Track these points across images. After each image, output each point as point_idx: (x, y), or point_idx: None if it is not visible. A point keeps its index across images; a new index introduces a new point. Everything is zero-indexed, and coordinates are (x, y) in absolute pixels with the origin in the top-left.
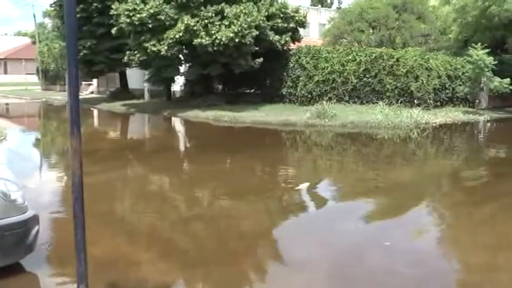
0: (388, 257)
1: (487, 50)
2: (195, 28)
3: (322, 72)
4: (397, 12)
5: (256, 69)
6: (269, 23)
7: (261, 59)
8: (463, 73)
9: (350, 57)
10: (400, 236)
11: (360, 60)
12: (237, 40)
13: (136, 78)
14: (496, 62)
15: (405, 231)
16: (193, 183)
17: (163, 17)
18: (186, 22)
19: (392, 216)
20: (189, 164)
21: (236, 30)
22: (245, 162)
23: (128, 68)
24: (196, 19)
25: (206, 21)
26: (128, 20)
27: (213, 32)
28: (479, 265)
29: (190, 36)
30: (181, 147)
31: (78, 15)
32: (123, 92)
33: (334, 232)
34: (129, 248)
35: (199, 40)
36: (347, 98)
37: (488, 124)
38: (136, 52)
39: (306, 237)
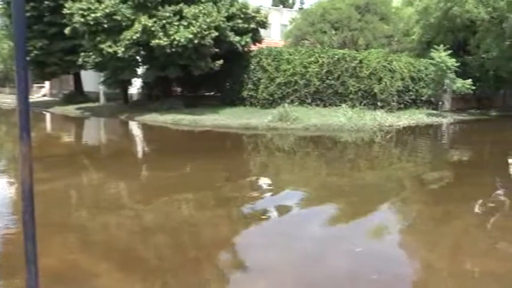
0: (352, 260)
1: (449, 52)
2: (152, 29)
3: (284, 74)
4: (359, 13)
5: (216, 71)
6: (229, 24)
7: (221, 61)
8: (426, 75)
9: (312, 59)
10: (361, 239)
11: (323, 62)
12: (196, 41)
13: (91, 80)
14: (458, 64)
15: (368, 234)
16: (150, 190)
17: (119, 17)
18: (143, 22)
19: (356, 220)
20: (146, 170)
21: (195, 31)
22: (205, 167)
23: (82, 70)
24: (154, 19)
25: (164, 21)
26: (82, 20)
27: (171, 32)
28: (443, 269)
29: (148, 37)
30: (139, 153)
31: (28, 14)
32: (78, 94)
33: (299, 238)
34: (84, 259)
35: (157, 41)
36: (309, 101)
37: (452, 126)
38: (91, 53)
39: (269, 245)
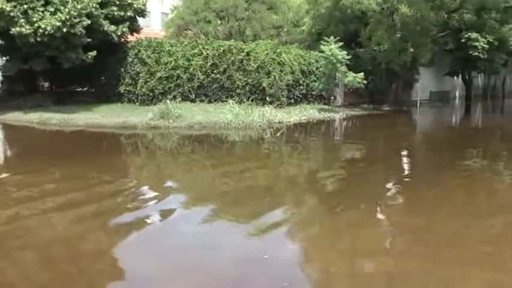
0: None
1: (340, 44)
2: (12, 14)
3: (165, 68)
4: (246, 2)
5: (89, 64)
6: (103, 11)
7: (95, 53)
8: (317, 68)
9: (196, 51)
10: (255, 244)
11: (207, 54)
12: (65, 30)
13: None
14: (350, 56)
15: (261, 237)
16: (13, 198)
17: None
18: (0, 6)
19: (249, 223)
20: (8, 176)
21: (63, 18)
22: (76, 172)
23: None
24: (14, 3)
25: (26, 6)
26: None
27: (34, 19)
28: (343, 272)
29: (7, 24)
30: None
31: None
32: None
33: (185, 247)
34: None
35: (18, 29)
36: (193, 96)
37: (345, 122)
38: None
39: (149, 254)
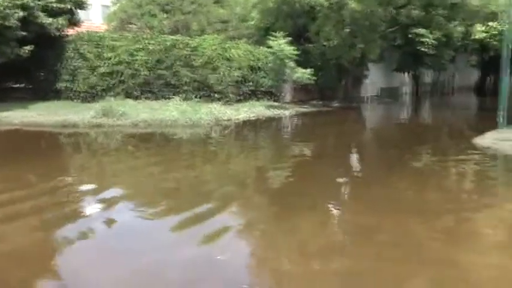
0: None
1: (288, 39)
2: None
3: (108, 63)
4: None
5: (25, 59)
6: (40, 3)
7: (31, 47)
8: (265, 64)
9: (140, 46)
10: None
11: (152, 49)
12: None
13: None
14: (299, 52)
15: (208, 238)
16: None
17: None
18: None
19: (198, 224)
20: None
21: None
22: (11, 175)
23: None
24: None
25: None
26: None
27: None
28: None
29: None
30: None
31: None
32: None
33: (133, 252)
34: None
35: None
36: (138, 93)
37: (294, 119)
38: None
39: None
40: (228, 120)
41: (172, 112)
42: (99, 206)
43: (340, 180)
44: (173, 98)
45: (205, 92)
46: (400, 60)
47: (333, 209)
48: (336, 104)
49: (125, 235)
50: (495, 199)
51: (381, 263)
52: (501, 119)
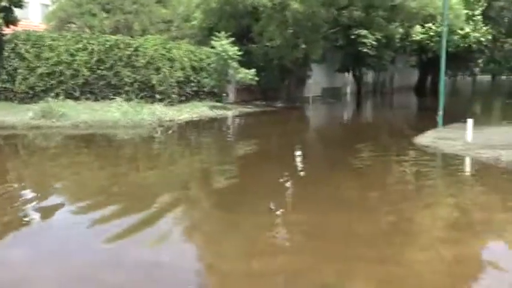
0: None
1: (231, 39)
2: None
3: (47, 64)
4: None
5: None
6: None
7: None
8: (208, 64)
9: (80, 46)
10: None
11: (93, 49)
12: None
13: None
14: (242, 53)
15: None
16: None
17: None
18: None
19: (142, 229)
20: None
21: None
22: None
23: None
24: None
25: None
26: None
27: None
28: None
29: None
30: None
31: None
32: None
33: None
34: None
35: None
36: (78, 94)
37: (237, 119)
38: None
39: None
40: (171, 120)
41: (113, 113)
42: (35, 211)
43: (284, 179)
44: (114, 98)
45: (147, 92)
46: (342, 61)
47: (278, 207)
48: (279, 104)
49: (62, 239)
50: (433, 196)
51: (323, 260)
52: (439, 119)
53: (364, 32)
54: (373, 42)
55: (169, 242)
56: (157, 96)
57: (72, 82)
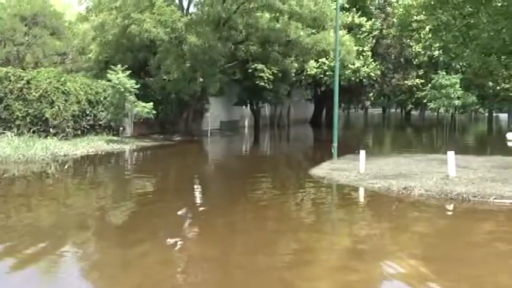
0: None
1: (128, 73)
2: None
3: None
4: (26, 26)
5: None
6: None
7: None
8: (105, 97)
9: None
10: None
11: None
12: None
13: None
14: (139, 86)
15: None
16: None
17: None
18: None
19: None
20: None
21: None
22: None
23: None
24: None
25: None
26: None
27: None
28: None
29: None
30: None
31: None
32: None
33: None
34: None
35: None
36: None
37: (135, 154)
38: None
39: None
40: (66, 155)
41: (3, 148)
42: None
43: (183, 213)
44: (4, 133)
45: (40, 126)
46: (240, 94)
47: (172, 242)
48: (177, 138)
49: None
50: (329, 226)
51: None
52: (334, 151)
53: (260, 66)
54: (270, 76)
55: (65, 281)
56: (51, 130)
57: None
